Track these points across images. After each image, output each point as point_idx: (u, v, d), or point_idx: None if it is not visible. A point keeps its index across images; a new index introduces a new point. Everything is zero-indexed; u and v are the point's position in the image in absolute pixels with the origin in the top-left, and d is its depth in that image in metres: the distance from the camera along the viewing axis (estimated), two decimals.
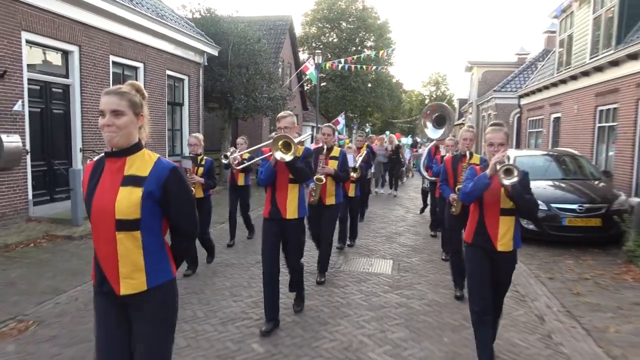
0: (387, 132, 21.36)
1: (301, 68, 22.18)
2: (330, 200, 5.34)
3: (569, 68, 12.69)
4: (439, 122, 7.98)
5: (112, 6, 9.28)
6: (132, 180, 2.01)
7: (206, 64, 13.87)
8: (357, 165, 6.96)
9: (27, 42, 7.71)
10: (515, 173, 3.00)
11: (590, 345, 3.98)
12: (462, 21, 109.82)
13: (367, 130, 34.88)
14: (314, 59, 21.33)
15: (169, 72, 12.16)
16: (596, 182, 8.36)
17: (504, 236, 3.25)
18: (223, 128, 15.90)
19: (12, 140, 7.28)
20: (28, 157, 7.78)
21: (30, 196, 7.91)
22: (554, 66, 14.46)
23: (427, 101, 61.22)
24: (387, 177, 15.30)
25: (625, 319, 4.56)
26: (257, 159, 4.85)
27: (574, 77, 12.16)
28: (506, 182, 3.00)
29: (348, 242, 7.24)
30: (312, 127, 28.30)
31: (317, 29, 36.40)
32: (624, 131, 9.57)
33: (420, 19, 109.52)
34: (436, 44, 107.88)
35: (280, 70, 21.38)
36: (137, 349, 2.07)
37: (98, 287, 2.09)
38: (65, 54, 8.73)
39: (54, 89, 8.55)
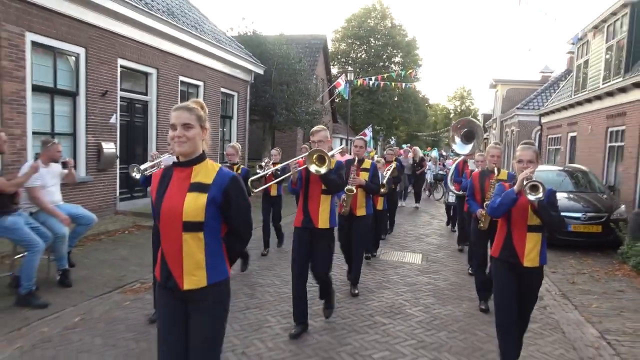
0: (404, 145, 22.58)
1: (334, 84, 23.70)
2: (360, 211, 5.44)
3: (585, 91, 13.84)
4: (467, 137, 7.97)
5: (184, 35, 10.92)
6: (198, 187, 2.24)
7: (253, 81, 15.46)
8: (385, 180, 7.11)
9: (121, 67, 9.36)
10: (540, 190, 3.12)
11: (575, 315, 5.24)
12: (487, 37, 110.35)
13: (392, 142, 36.19)
14: (346, 76, 22.83)
15: (222, 89, 13.77)
16: (602, 195, 9.52)
17: (530, 252, 3.34)
18: (264, 139, 17.48)
19: (109, 147, 8.91)
20: (117, 161, 9.39)
21: (117, 193, 9.52)
22: (572, 88, 15.60)
23: (452, 115, 62.12)
24: (409, 190, 15.63)
25: (607, 300, 5.79)
26: (293, 172, 4.37)
27: (588, 100, 13.30)
28: (531, 197, 3.13)
29: (366, 254, 6.97)
30: (341, 139, 29.80)
31: (346, 45, 38.05)
32: (630, 151, 10.70)
33: (446, 34, 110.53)
34: (462, 59, 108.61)
35: (316, 86, 22.93)
36: (193, 339, 2.29)
37: (163, 283, 2.31)
38: (146, 75, 10.38)
39: (136, 105, 10.20)
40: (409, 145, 17.78)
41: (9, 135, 6.67)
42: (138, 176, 4.46)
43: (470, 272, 6.58)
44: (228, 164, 6.05)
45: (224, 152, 6.31)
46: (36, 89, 7.44)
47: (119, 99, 9.33)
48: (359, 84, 24.16)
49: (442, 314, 4.99)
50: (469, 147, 7.88)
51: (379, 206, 7.11)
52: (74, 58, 8.23)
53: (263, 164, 7.15)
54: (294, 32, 24.53)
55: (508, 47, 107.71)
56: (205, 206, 2.21)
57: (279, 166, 5.81)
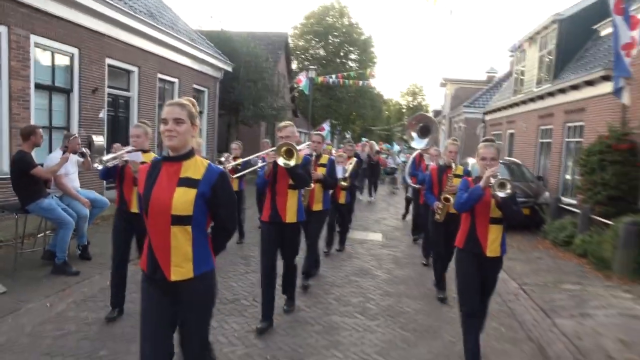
0: (364, 139, 24.04)
1: (295, 80, 24.80)
2: (317, 206, 5.38)
3: (521, 94, 15.69)
4: (423, 132, 8.10)
5: (163, 35, 11.72)
6: (187, 182, 2.30)
7: (222, 78, 16.33)
8: (347, 174, 7.09)
9: (108, 65, 10.10)
10: (508, 187, 3.28)
11: (502, 275, 6.54)
12: (439, 37, 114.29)
13: (347, 136, 37.61)
14: (307, 74, 23.97)
15: (194, 86, 14.60)
16: (531, 184, 11.23)
17: (492, 243, 3.53)
18: (230, 133, 18.40)
19: (98, 140, 9.68)
20: (105, 152, 10.15)
21: (104, 183, 10.27)
22: (511, 90, 17.48)
23: (404, 110, 64.55)
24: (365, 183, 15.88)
25: (528, 265, 7.33)
26: (256, 167, 4.82)
27: (524, 102, 15.12)
28: (501, 194, 3.28)
29: (337, 247, 7.38)
30: (300, 132, 30.94)
31: (305, 41, 39.09)
32: (556, 146, 12.52)
33: (400, 33, 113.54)
34: (414, 57, 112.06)
35: (278, 82, 23.94)
36: (184, 327, 2.41)
37: (150, 274, 2.37)
38: (128, 73, 11.14)
39: (120, 100, 10.96)
40: (366, 140, 19.06)
41: (15, 130, 7.46)
42: (100, 167, 4.35)
43: (424, 263, 6.89)
44: None
45: None
46: (38, 86, 8.15)
47: (106, 95, 10.09)
48: (319, 81, 25.32)
49: (400, 274, 6.34)
50: (426, 141, 8.09)
51: (342, 200, 7.05)
52: (69, 58, 8.95)
53: (223, 159, 7.10)
54: (254, 27, 25.37)
55: (457, 48, 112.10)
56: (194, 201, 2.28)
57: (239, 161, 5.84)
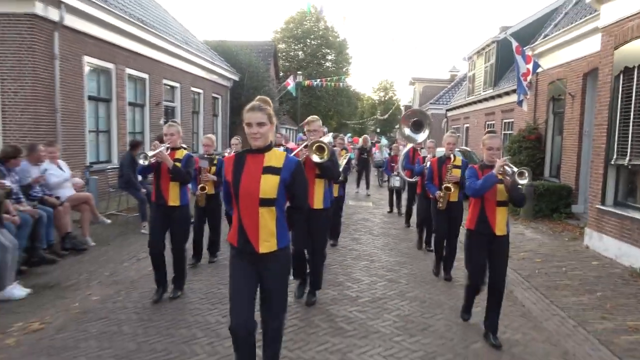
0: (349, 134, 27.71)
1: (284, 83, 28.30)
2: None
3: (473, 96, 19.72)
4: (416, 127, 8.13)
5: (196, 57, 15.14)
6: (271, 170, 2.73)
7: (231, 86, 19.75)
8: (341, 168, 6.59)
9: (164, 84, 13.51)
10: (526, 175, 3.59)
11: None
12: (408, 37, 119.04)
13: (324, 130, 41.16)
14: (294, 78, 27.52)
15: (213, 94, 18.02)
16: None
17: (500, 222, 3.88)
18: (238, 134, 21.88)
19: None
20: None
21: None
22: (466, 92, 21.52)
23: (377, 103, 68.49)
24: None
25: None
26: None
27: (475, 102, 19.15)
28: (522, 182, 3.58)
29: (331, 242, 7.33)
30: (286, 129, 34.49)
31: (286, 45, 42.54)
32: None
33: (373, 32, 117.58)
34: (385, 54, 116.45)
35: (275, 88, 27.42)
36: (267, 291, 2.86)
37: (240, 247, 2.79)
38: (173, 89, 14.54)
39: (169, 110, 14.37)
40: (352, 137, 22.64)
41: (122, 135, 10.89)
42: (146, 163, 4.50)
43: (429, 249, 7.08)
44: (207, 157, 6.28)
45: (202, 144, 6.79)
46: (129, 104, 11.55)
47: (163, 107, 13.50)
48: (305, 84, 28.90)
49: (388, 220, 10.22)
50: (422, 135, 8.03)
51: (335, 193, 6.99)
52: (143, 82, 12.35)
53: (226, 154, 7.19)
54: (239, 33, 28.26)
55: (424, 48, 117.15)
56: (277, 186, 2.72)
57: None
